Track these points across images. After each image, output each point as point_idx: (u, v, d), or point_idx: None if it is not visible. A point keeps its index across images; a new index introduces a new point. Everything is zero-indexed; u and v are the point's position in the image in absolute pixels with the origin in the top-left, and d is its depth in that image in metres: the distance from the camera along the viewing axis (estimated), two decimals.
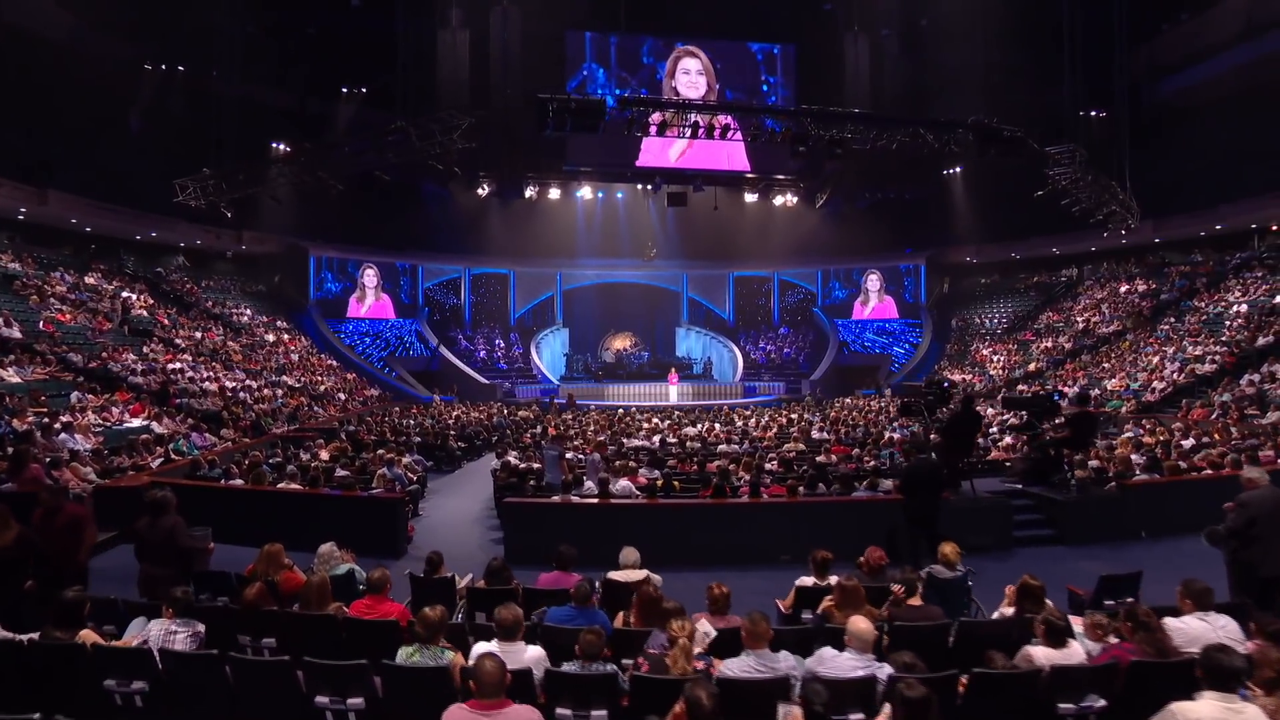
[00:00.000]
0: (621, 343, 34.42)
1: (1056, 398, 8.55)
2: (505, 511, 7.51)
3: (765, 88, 25.52)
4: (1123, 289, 26.55)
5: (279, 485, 8.45)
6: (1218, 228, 24.33)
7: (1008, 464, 10.36)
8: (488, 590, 4.79)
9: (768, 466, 10.17)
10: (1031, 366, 24.26)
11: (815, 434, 14.22)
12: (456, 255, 32.00)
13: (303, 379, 20.75)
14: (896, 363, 28.84)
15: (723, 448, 12.53)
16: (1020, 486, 8.81)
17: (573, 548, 5.10)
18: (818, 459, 10.88)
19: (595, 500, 7.59)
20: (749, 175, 27.38)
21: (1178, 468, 8.72)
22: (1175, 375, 18.66)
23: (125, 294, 20.08)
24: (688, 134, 14.80)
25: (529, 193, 28.59)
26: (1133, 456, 9.51)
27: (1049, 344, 25.44)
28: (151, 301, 21.13)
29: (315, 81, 24.37)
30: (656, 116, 14.05)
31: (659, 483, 9.00)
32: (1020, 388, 22.80)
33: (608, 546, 7.62)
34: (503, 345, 31.02)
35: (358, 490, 8.19)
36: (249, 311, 24.77)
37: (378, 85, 24.07)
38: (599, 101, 13.34)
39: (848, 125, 15.37)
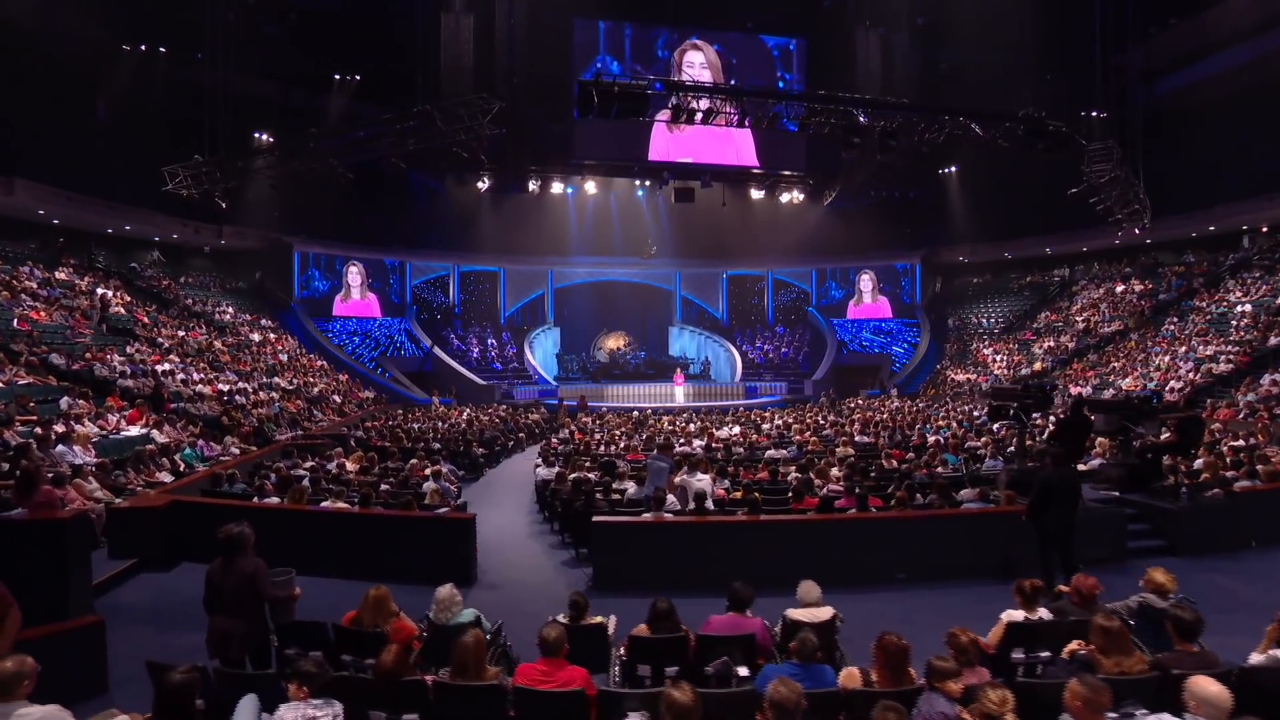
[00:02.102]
0: (615, 342, 33.70)
1: (1155, 400, 8.09)
2: (595, 533, 6.73)
3: (781, 84, 25.03)
4: (1119, 289, 26.78)
5: (323, 504, 7.53)
6: (1210, 229, 24.57)
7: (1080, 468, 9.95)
8: (654, 639, 4.04)
9: (834, 473, 9.58)
10: (1037, 366, 24.24)
11: (856, 437, 13.71)
12: (445, 252, 30.92)
13: (295, 381, 19.53)
14: (898, 362, 28.66)
15: (771, 453, 11.91)
16: (1117, 494, 8.36)
17: (749, 586, 4.35)
18: (884, 465, 10.34)
19: (692, 518, 6.87)
20: (755, 170, 26.84)
21: (1277, 473, 8.36)
22: (1191, 375, 18.69)
23: (101, 290, 18.61)
24: (742, 122, 14.03)
25: (532, 186, 27.53)
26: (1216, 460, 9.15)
27: (1051, 344, 25.49)
28: (128, 298, 19.68)
29: (306, 67, 22.98)
30: (704, 104, 13.33)
31: (738, 494, 8.34)
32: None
33: (710, 568, 6.95)
34: (495, 345, 29.99)
35: (416, 508, 7.33)
36: (231, 309, 23.34)
37: (373, 72, 22.82)
38: (644, 85, 12.56)
39: (897, 116, 14.88)
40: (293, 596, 4.48)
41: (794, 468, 9.95)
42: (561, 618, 4.31)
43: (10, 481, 7.27)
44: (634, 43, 25.22)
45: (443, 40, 20.48)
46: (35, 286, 16.86)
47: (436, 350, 26.85)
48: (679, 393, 26.12)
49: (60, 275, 18.57)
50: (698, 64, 25.39)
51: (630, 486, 8.65)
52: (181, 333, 19.08)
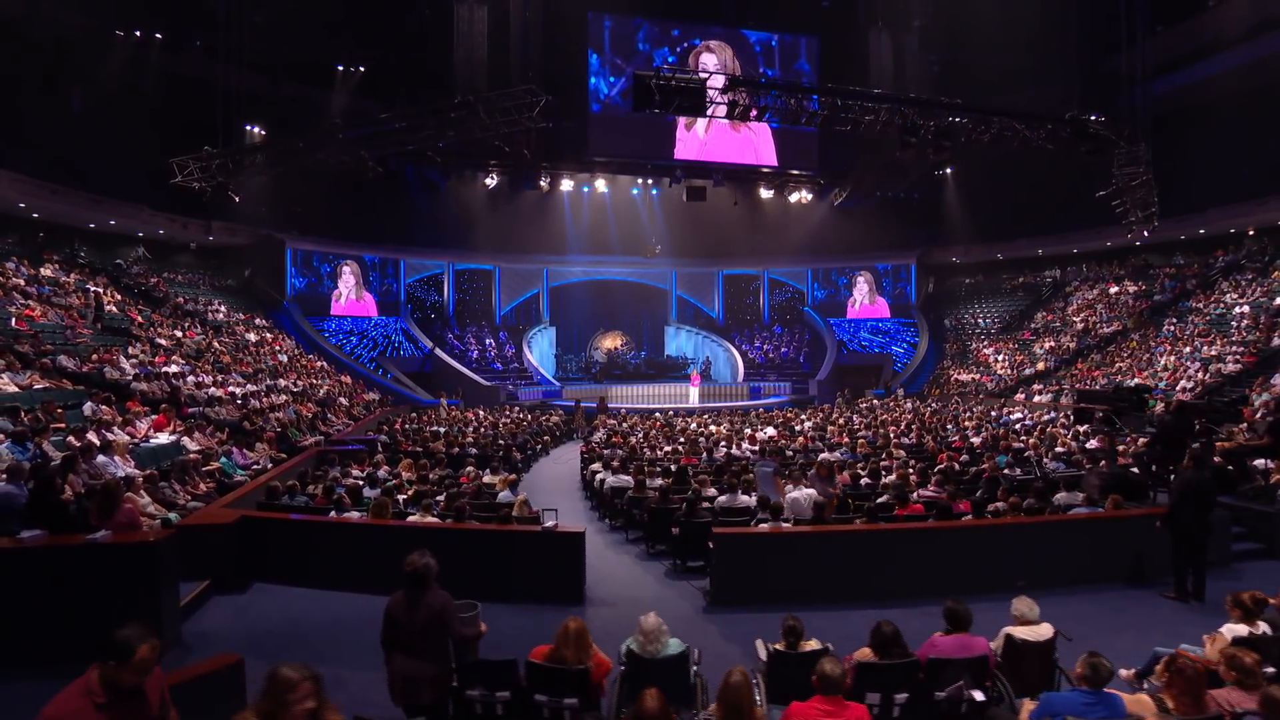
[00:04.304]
0: (612, 342, 33.38)
1: (1243, 404, 8.08)
2: (719, 545, 6.40)
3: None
4: (1113, 290, 27.35)
5: (409, 518, 7.06)
6: (1200, 231, 25.19)
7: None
8: (884, 665, 3.75)
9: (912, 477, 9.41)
10: (1040, 366, 24.59)
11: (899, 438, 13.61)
12: (440, 250, 30.22)
13: (299, 383, 18.71)
14: (899, 362, 28.82)
15: (824, 456, 11.70)
16: None
17: (963, 603, 4.07)
18: (953, 467, 10.21)
19: (816, 528, 6.60)
20: (766, 170, 26.72)
21: None
22: (1200, 375, 19.08)
23: (93, 288, 17.58)
24: (797, 119, 13.81)
25: (543, 183, 26.92)
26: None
27: (1051, 344, 25.89)
28: (118, 296, 18.65)
29: (307, 58, 22.04)
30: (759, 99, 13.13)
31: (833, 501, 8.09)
32: (1036, 386, 23.10)
33: (834, 579, 6.68)
34: (494, 345, 29.36)
35: (513, 521, 6.92)
36: (224, 308, 22.32)
37: (378, 64, 22.01)
38: (702, 81, 12.22)
39: (946, 115, 14.82)
40: (479, 635, 4.07)
41: (863, 471, 9.76)
42: (775, 645, 3.99)
43: (71, 496, 6.66)
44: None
45: (456, 32, 19.80)
46: (23, 283, 15.82)
47: (438, 351, 26.15)
48: (694, 393, 25.84)
49: (46, 272, 17.50)
50: (711, 65, 25.04)
51: (714, 493, 8.36)
52: (178, 333, 18.14)
